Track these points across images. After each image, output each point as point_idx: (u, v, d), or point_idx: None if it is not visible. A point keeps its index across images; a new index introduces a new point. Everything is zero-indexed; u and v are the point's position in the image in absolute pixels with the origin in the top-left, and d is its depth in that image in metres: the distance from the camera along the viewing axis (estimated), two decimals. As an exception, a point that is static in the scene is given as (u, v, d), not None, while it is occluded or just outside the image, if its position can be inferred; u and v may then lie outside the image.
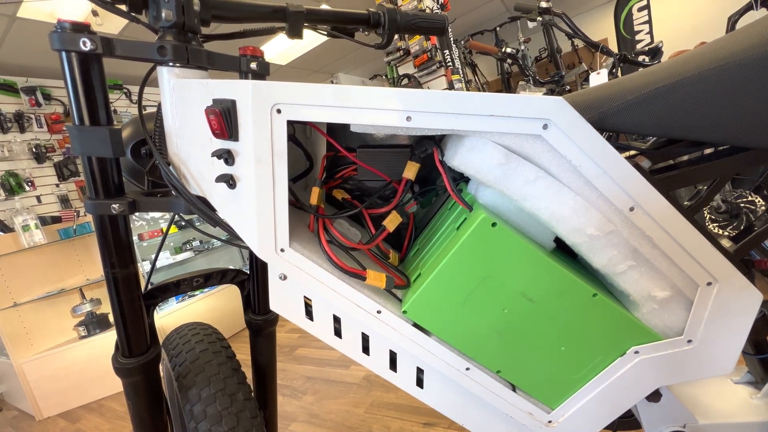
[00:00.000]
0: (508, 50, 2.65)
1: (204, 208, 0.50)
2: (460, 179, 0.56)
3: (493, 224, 0.43)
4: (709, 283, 0.45)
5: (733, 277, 0.45)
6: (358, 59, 5.20)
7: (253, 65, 0.57)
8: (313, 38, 3.91)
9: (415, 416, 1.47)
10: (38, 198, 3.27)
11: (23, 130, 3.25)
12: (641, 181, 0.42)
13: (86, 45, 0.44)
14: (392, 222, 0.51)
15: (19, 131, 3.24)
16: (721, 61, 0.39)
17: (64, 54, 0.45)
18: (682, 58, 0.44)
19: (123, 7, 0.48)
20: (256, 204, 0.42)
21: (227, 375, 0.66)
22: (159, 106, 0.53)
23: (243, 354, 0.75)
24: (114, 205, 0.50)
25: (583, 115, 0.41)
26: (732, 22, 1.70)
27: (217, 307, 2.89)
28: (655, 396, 0.54)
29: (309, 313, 0.51)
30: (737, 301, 0.46)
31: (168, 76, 0.49)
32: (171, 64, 0.48)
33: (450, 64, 2.66)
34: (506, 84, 3.89)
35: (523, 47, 3.69)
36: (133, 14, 0.49)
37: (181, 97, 0.49)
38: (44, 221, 2.70)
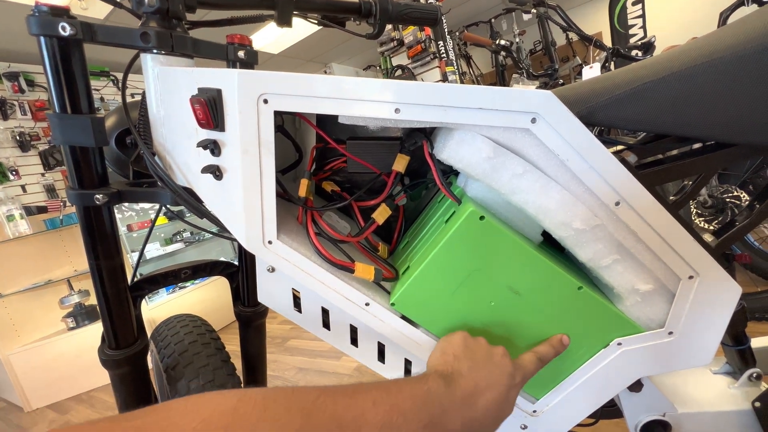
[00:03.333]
0: (503, 42, 2.63)
1: (190, 199, 0.50)
2: (450, 172, 0.56)
3: (481, 217, 0.43)
4: (691, 277, 0.46)
5: (714, 271, 0.46)
6: (352, 49, 5.13)
7: (241, 54, 0.56)
8: (305, 27, 3.85)
9: (405, 406, 1.48)
10: (23, 187, 3.19)
11: (6, 118, 3.15)
12: (627, 176, 0.42)
13: (66, 30, 0.43)
14: (381, 215, 0.50)
15: (2, 119, 3.14)
16: (706, 58, 0.40)
17: (42, 39, 0.43)
18: (670, 54, 0.44)
19: (105, -9, 0.47)
20: (243, 195, 0.42)
21: (216, 366, 0.66)
22: (143, 95, 0.51)
23: (233, 345, 0.75)
24: (98, 196, 0.49)
25: (572, 109, 0.41)
26: (723, 17, 1.71)
27: (208, 298, 2.88)
28: (636, 386, 0.56)
29: (297, 305, 0.50)
30: (717, 294, 0.47)
31: (152, 63, 0.48)
32: (155, 51, 0.47)
33: (444, 55, 2.64)
34: (500, 76, 3.88)
35: (517, 39, 3.68)
36: (116, -2, 0.48)
37: (166, 86, 0.48)
38: (30, 211, 2.65)
